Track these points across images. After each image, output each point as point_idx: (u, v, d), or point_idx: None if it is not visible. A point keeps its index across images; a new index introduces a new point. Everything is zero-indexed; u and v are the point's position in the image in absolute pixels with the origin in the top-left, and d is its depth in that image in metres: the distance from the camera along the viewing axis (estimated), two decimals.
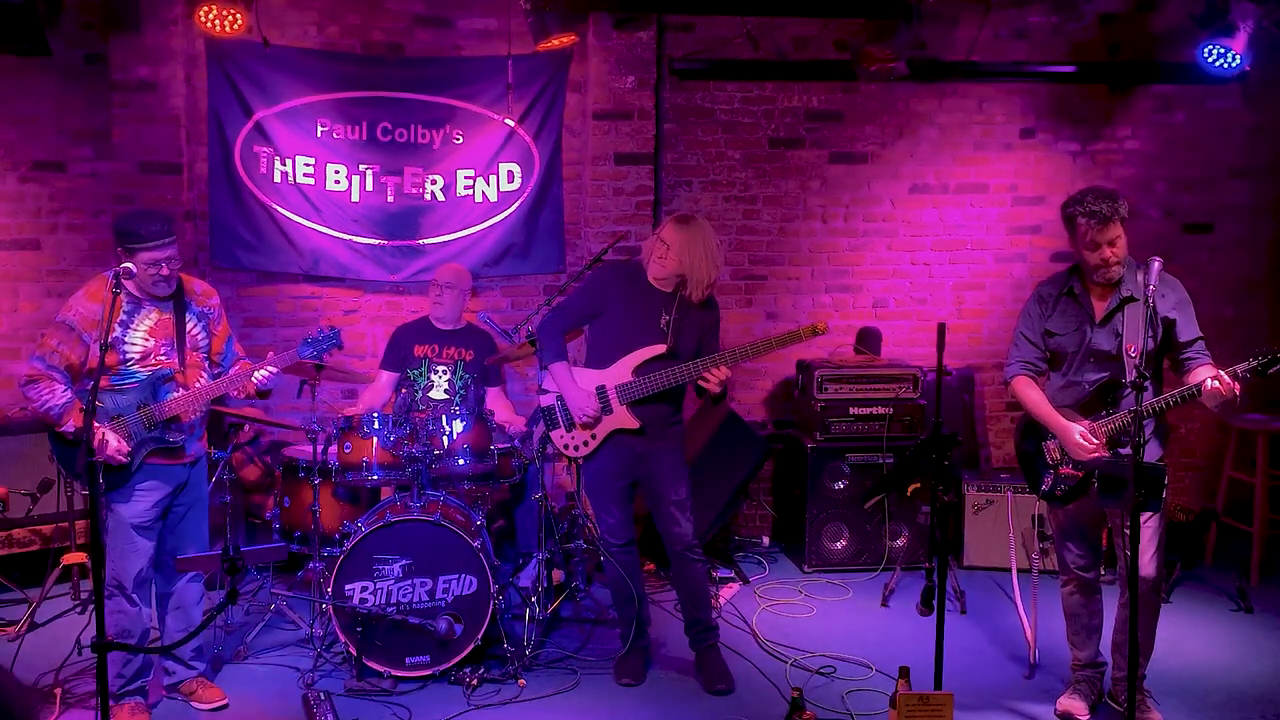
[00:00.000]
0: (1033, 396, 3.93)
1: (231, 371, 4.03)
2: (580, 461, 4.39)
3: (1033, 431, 3.96)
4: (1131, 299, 3.78)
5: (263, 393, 4.06)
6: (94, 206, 5.80)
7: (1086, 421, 3.78)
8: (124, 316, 3.82)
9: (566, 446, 4.32)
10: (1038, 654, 4.52)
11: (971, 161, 6.46)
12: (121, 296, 3.82)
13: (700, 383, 4.12)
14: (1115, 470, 3.55)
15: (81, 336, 3.80)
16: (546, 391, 4.35)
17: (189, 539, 4.04)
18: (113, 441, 3.71)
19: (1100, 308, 3.85)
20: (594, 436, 4.25)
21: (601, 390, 4.21)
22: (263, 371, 3.93)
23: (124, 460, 3.75)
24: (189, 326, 3.97)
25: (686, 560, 4.33)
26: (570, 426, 4.28)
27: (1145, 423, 3.58)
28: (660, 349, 4.19)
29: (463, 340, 5.33)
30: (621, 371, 4.20)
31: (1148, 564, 3.79)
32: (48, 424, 3.85)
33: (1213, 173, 6.53)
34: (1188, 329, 3.81)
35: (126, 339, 3.81)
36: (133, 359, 3.82)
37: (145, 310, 3.88)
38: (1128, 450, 3.66)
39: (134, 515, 3.85)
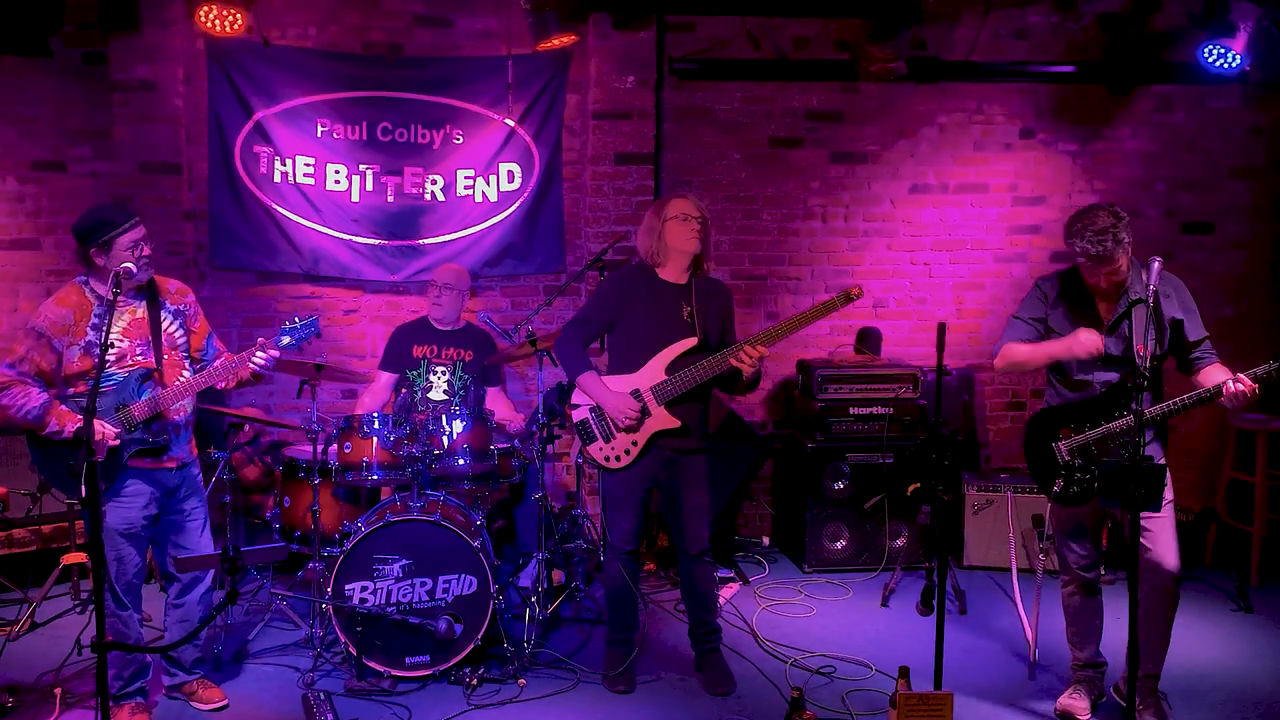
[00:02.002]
0: (1024, 348, 3.92)
1: (217, 364, 3.96)
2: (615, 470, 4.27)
3: (1041, 432, 3.92)
4: (1140, 301, 3.70)
5: (256, 375, 3.98)
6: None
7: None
8: (95, 319, 3.77)
9: (608, 459, 4.21)
10: (1038, 653, 4.52)
11: (971, 161, 6.47)
12: (91, 300, 3.79)
13: (735, 364, 4.01)
14: (1116, 468, 3.54)
15: (52, 343, 3.75)
16: (578, 406, 4.27)
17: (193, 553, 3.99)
18: (99, 427, 3.65)
19: (1106, 310, 3.83)
20: (635, 444, 4.17)
21: (636, 394, 4.14)
22: (261, 355, 3.86)
23: (113, 442, 3.70)
24: (165, 324, 3.92)
25: (701, 564, 4.31)
26: (609, 437, 4.19)
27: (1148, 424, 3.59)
28: (692, 342, 4.14)
29: (462, 340, 5.32)
30: (654, 372, 4.14)
31: (1171, 558, 3.80)
32: (26, 430, 3.79)
33: (1213, 173, 6.53)
34: (1195, 329, 3.81)
35: (99, 340, 3.77)
36: (108, 360, 3.76)
37: (117, 311, 3.82)
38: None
39: (120, 522, 3.80)
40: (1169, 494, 3.81)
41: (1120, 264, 3.72)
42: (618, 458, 4.20)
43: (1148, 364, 3.44)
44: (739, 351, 4.01)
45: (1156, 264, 3.53)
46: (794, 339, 6.32)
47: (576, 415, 4.26)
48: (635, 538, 4.28)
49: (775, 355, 6.36)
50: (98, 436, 3.62)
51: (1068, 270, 3.96)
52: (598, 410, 4.21)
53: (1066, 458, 3.84)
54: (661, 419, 4.15)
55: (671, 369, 4.13)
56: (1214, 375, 3.74)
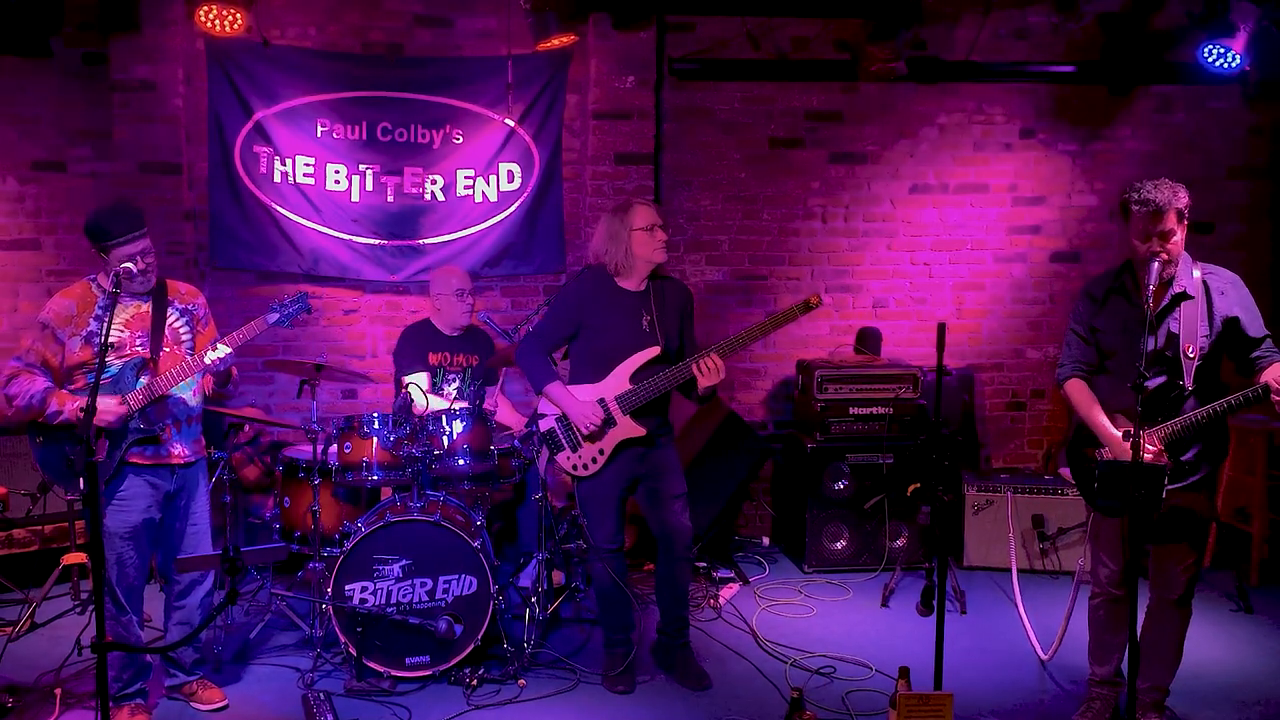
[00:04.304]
0: (1085, 402, 3.71)
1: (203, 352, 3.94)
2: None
3: (1087, 439, 3.77)
4: (1185, 296, 3.59)
5: (222, 380, 3.97)
6: (94, 206, 5.76)
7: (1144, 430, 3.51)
8: (98, 310, 3.82)
9: (575, 467, 4.23)
10: (1039, 653, 4.53)
11: (971, 161, 6.46)
12: (96, 294, 3.85)
13: (696, 372, 4.04)
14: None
15: (56, 333, 3.81)
16: (544, 415, 4.29)
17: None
18: (100, 405, 3.64)
19: (1153, 306, 3.61)
20: (601, 452, 4.19)
21: (602, 403, 4.16)
22: (214, 353, 3.80)
23: (119, 409, 3.70)
24: (170, 319, 3.95)
25: (686, 558, 4.33)
26: (575, 446, 4.21)
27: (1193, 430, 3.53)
28: (655, 351, 4.17)
29: (469, 346, 5.29)
30: (618, 381, 4.17)
31: (1175, 576, 3.72)
32: (31, 417, 3.82)
33: (1213, 173, 6.53)
34: (1255, 326, 3.60)
35: (100, 331, 3.79)
36: (107, 348, 3.77)
37: (122, 303, 3.86)
38: (1186, 456, 3.58)
39: (119, 525, 3.81)
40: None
41: (1176, 230, 3.53)
42: (585, 466, 4.22)
43: (1142, 363, 3.30)
44: (700, 361, 4.04)
45: (1155, 264, 3.50)
46: (794, 339, 6.35)
47: (543, 425, 4.28)
48: (619, 535, 4.30)
49: (775, 355, 6.41)
50: (101, 409, 3.63)
51: (1119, 266, 3.79)
52: (564, 420, 4.23)
53: None
54: (627, 428, 4.17)
55: (636, 378, 4.16)
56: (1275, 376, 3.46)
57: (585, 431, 4.15)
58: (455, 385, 5.23)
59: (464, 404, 5.13)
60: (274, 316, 3.98)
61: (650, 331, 4.20)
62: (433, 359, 5.23)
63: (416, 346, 5.28)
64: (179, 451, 3.93)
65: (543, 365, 4.25)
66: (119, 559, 3.83)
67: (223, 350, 3.81)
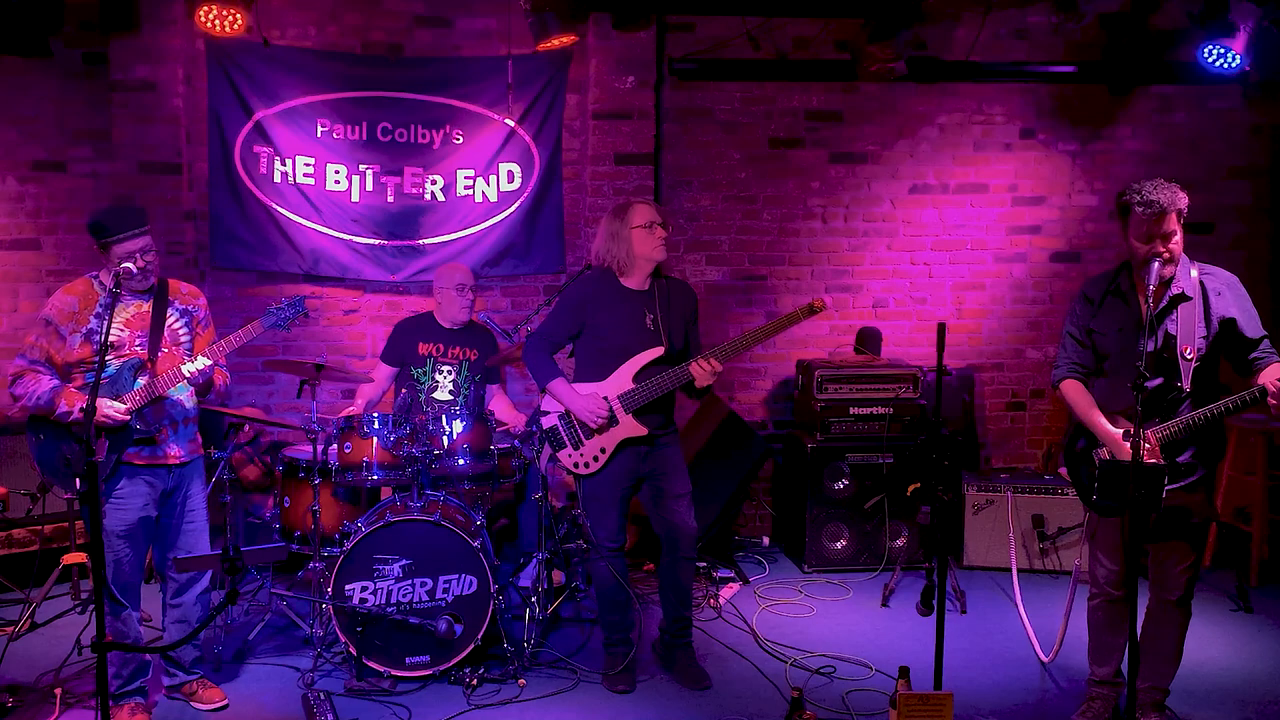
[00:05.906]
0: (1082, 402, 3.71)
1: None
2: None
3: (1084, 438, 3.76)
4: (1183, 297, 3.59)
5: (202, 390, 3.98)
6: (94, 206, 5.78)
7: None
8: (99, 309, 3.84)
9: (577, 465, 4.24)
10: (1040, 653, 4.53)
11: (971, 161, 6.46)
12: (98, 292, 3.87)
13: (694, 373, 4.08)
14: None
15: (59, 330, 3.83)
16: (547, 413, 4.30)
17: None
18: (105, 406, 3.70)
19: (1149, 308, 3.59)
20: (604, 450, 4.20)
21: (605, 402, 4.19)
22: (193, 365, 3.82)
23: (123, 417, 3.73)
24: (170, 320, 3.97)
25: (689, 558, 4.34)
26: (578, 444, 4.23)
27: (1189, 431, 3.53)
28: (659, 351, 4.18)
29: (467, 340, 5.30)
30: (621, 380, 4.18)
31: (1173, 578, 3.72)
32: (39, 416, 3.83)
33: (1213, 173, 6.53)
34: (1252, 326, 3.58)
35: (101, 329, 3.80)
36: (106, 348, 3.79)
37: (123, 302, 3.88)
38: (1183, 458, 3.58)
39: (116, 524, 3.82)
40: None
41: (1177, 233, 3.53)
42: (587, 464, 4.23)
43: (1143, 364, 3.27)
44: (697, 364, 4.08)
45: (1156, 264, 3.50)
46: (794, 339, 6.35)
47: (546, 422, 4.30)
48: (621, 534, 4.30)
49: (775, 355, 6.42)
50: (108, 412, 3.69)
51: (1115, 267, 3.79)
52: (566, 417, 4.24)
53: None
54: (629, 427, 4.18)
55: (639, 378, 4.18)
56: (1276, 376, 3.43)
57: (592, 425, 4.16)
58: (450, 377, 5.23)
59: (453, 396, 5.15)
60: (268, 321, 4.02)
61: (655, 331, 4.21)
62: (422, 349, 5.24)
63: (401, 339, 5.31)
64: (175, 452, 3.95)
65: (547, 363, 4.27)
66: (116, 558, 3.83)
67: (202, 363, 3.84)
